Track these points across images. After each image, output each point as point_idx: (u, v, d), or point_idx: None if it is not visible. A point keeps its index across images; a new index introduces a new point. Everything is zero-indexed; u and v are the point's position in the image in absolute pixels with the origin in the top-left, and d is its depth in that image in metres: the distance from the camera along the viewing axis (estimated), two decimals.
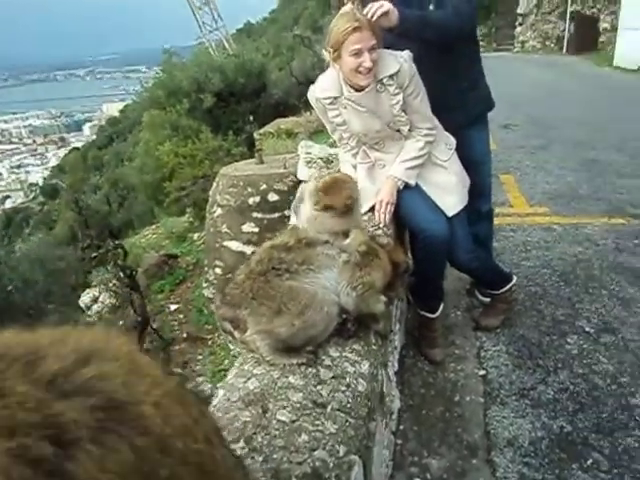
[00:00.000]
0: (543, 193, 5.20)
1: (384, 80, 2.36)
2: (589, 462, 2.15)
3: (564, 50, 21.72)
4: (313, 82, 2.55)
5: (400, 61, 2.33)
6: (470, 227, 2.79)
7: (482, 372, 2.72)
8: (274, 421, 1.28)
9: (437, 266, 2.59)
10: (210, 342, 6.86)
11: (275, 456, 1.17)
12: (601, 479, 2.07)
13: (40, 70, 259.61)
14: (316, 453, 1.20)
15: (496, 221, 3.44)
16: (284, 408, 1.32)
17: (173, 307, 7.85)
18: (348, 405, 1.39)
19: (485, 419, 2.41)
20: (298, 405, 1.34)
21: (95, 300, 8.46)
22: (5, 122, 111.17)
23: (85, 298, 8.70)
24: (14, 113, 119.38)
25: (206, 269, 7.17)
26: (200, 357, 6.59)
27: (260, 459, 1.16)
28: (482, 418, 2.42)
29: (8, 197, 63.97)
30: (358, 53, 2.23)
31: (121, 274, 7.29)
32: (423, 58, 2.39)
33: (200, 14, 38.41)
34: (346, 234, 1.85)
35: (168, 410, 0.51)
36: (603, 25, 19.18)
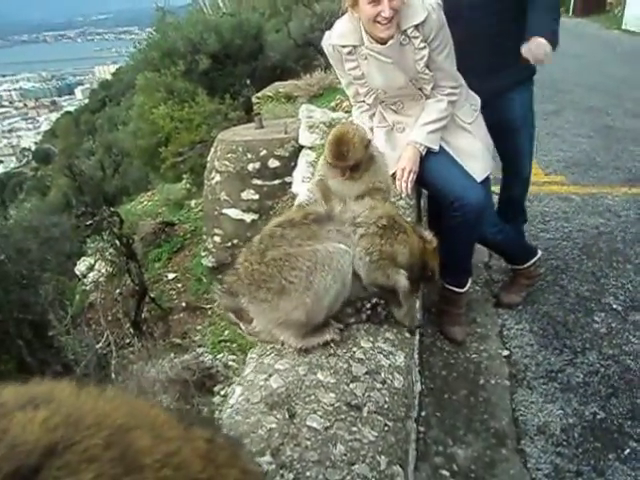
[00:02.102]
0: (558, 161, 4.97)
1: (408, 31, 2.10)
2: (626, 452, 2.01)
3: (570, 12, 21.00)
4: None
5: (428, 9, 2.07)
6: (505, 193, 2.66)
7: (506, 352, 2.56)
8: (304, 428, 1.09)
9: (472, 237, 2.39)
10: (210, 312, 6.69)
11: (309, 474, 0.99)
12: None
13: (29, 31, 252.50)
14: (356, 467, 1.02)
15: None
16: (315, 412, 1.13)
17: (171, 276, 7.67)
18: (385, 406, 1.21)
19: (512, 404, 2.26)
20: (330, 408, 1.15)
21: (91, 268, 8.28)
22: None
23: (81, 266, 8.52)
24: (3, 76, 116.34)
25: (205, 237, 6.97)
26: (200, 327, 6.45)
27: (291, 477, 0.98)
28: (509, 403, 2.27)
29: (0, 162, 62.94)
30: (376, 0, 1.98)
31: (117, 242, 7.09)
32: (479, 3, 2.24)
33: None
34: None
35: None
36: None
